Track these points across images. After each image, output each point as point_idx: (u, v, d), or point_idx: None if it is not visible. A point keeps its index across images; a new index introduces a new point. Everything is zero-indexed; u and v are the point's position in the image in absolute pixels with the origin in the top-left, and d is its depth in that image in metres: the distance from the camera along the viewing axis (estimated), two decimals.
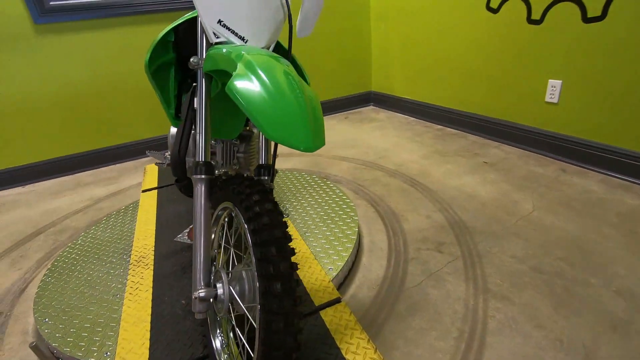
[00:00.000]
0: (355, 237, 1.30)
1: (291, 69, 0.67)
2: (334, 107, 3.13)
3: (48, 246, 1.62)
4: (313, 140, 0.58)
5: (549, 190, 1.60)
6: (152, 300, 1.09)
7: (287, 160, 2.25)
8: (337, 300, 1.03)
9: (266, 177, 0.84)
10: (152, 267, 1.23)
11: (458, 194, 1.65)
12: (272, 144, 0.86)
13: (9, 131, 2.21)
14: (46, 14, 2.09)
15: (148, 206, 1.64)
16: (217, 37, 0.75)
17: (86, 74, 2.27)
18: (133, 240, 1.41)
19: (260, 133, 1.10)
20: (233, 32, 0.74)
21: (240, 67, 0.62)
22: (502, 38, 1.98)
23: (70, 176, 2.41)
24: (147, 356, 0.91)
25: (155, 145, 2.61)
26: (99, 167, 2.50)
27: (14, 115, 2.18)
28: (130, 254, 1.32)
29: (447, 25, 2.30)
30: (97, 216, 1.82)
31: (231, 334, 0.88)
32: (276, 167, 2.15)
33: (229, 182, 0.77)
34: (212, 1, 0.71)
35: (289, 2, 0.79)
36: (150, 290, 1.13)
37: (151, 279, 1.18)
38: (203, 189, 0.78)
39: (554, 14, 1.73)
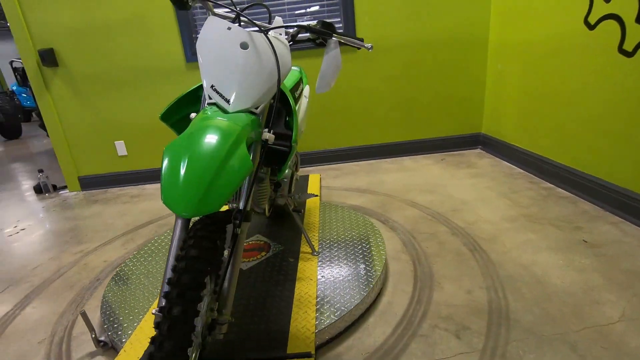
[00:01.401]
0: (365, 294, 1.23)
1: (226, 137, 0.73)
2: (434, 146, 2.96)
3: (149, 234, 2.06)
4: (196, 206, 0.64)
5: None
6: None
7: (360, 196, 2.26)
8: (308, 355, 1.01)
9: (237, 221, 0.91)
10: None
11: (523, 274, 1.37)
12: (245, 188, 0.92)
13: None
14: (195, 54, 2.68)
15: None
16: (210, 99, 0.88)
17: None
18: None
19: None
20: (221, 95, 0.85)
21: (181, 136, 0.74)
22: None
23: None
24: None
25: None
26: None
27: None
28: None
29: (577, 70, 1.93)
30: None
31: None
32: (343, 200, 2.18)
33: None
34: (208, 67, 0.85)
35: (280, 68, 0.87)
36: None
37: None
38: None
39: None
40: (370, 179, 2.53)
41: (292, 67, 1.79)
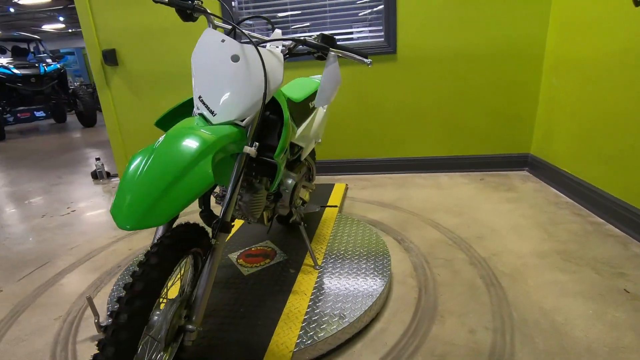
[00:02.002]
0: (356, 318, 1.18)
1: (190, 150, 0.74)
2: (475, 164, 2.77)
3: None
4: (138, 220, 0.64)
5: None
6: None
7: (382, 210, 2.18)
8: None
9: (215, 231, 0.91)
10: None
11: (540, 320, 1.22)
12: (225, 202, 0.92)
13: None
14: None
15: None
16: (198, 109, 0.89)
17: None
18: None
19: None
20: (207, 106, 0.86)
21: (150, 145, 0.77)
22: None
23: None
24: None
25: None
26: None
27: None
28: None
29: None
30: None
31: None
32: (364, 213, 2.12)
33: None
34: (199, 78, 0.87)
35: (268, 82, 0.86)
36: None
37: None
38: None
39: None
40: (398, 194, 2.43)
41: (313, 77, 1.78)
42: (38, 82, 6.67)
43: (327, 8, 2.65)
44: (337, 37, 2.69)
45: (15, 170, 3.94)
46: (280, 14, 2.71)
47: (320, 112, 1.59)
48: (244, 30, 0.94)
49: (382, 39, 2.63)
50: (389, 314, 1.30)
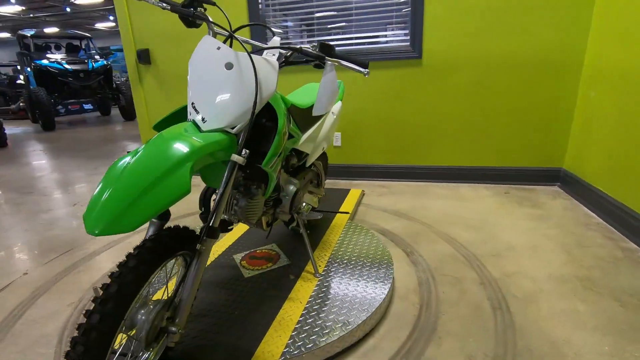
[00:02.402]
0: (347, 332, 1.15)
1: (168, 157, 0.75)
2: (502, 176, 2.63)
3: (198, 222, 2.23)
4: (106, 225, 0.65)
5: None
6: None
7: (396, 220, 2.12)
8: None
9: (203, 237, 0.92)
10: None
11: (547, 352, 1.13)
12: (213, 208, 0.92)
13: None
14: None
15: None
16: (190, 115, 0.90)
17: None
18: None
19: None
20: (198, 113, 0.88)
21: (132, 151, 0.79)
22: None
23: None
24: None
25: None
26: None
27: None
28: None
29: None
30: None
31: None
32: (376, 221, 2.07)
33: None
34: (193, 85, 0.88)
35: (260, 90, 0.85)
36: None
37: None
38: None
39: None
40: (415, 203, 2.36)
41: None
42: (86, 77, 7.14)
43: (353, 11, 2.62)
44: (363, 40, 2.65)
45: (60, 159, 4.23)
46: (300, 16, 2.71)
47: (330, 118, 1.57)
48: (238, 38, 0.94)
49: (407, 43, 2.56)
50: (384, 330, 1.26)
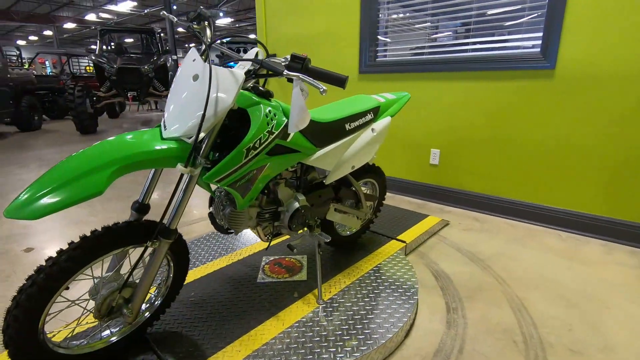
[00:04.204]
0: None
1: (95, 158, 0.80)
2: (593, 228, 1.82)
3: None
4: (14, 211, 0.72)
5: None
6: None
7: (465, 265, 1.74)
8: None
9: (157, 235, 0.95)
10: None
11: None
12: (170, 210, 0.94)
13: None
14: (367, 67, 2.74)
15: None
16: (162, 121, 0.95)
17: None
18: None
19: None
20: (163, 122, 0.92)
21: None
22: None
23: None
24: None
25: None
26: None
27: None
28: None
29: None
30: None
31: None
32: (441, 259, 1.75)
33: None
34: (170, 95, 0.93)
35: (216, 102, 0.85)
36: None
37: None
38: None
39: None
40: (504, 249, 1.88)
41: (387, 95, 1.56)
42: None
43: (473, 12, 2.25)
44: (486, 45, 2.25)
45: None
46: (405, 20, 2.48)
47: (367, 135, 1.39)
48: (209, 50, 0.93)
49: (537, 50, 2.03)
50: None
